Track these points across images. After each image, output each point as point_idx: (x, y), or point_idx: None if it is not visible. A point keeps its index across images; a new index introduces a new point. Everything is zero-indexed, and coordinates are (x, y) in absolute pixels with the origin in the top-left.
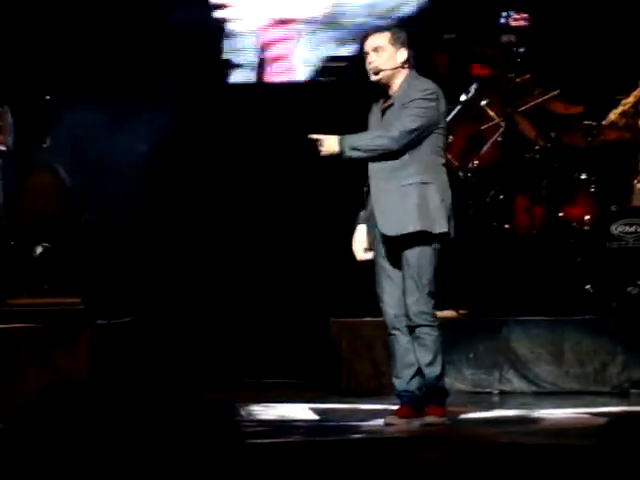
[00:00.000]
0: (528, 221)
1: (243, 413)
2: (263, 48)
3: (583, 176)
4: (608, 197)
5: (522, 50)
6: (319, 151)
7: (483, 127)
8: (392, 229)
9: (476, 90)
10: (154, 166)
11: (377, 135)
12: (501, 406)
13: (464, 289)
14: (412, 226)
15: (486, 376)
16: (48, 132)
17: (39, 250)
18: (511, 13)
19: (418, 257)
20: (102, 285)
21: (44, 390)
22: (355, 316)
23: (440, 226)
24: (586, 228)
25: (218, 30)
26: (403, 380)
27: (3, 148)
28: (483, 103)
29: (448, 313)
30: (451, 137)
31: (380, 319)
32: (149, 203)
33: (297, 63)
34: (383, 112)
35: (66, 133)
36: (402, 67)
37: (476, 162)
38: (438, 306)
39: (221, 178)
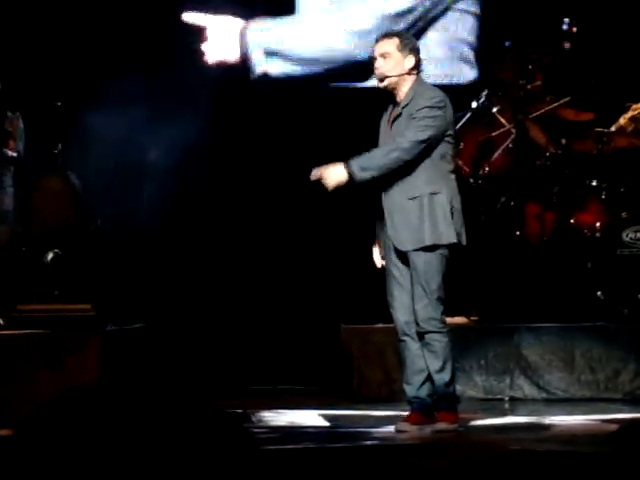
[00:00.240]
0: (539, 228)
1: (254, 419)
2: None
3: (594, 183)
4: (619, 204)
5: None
6: (326, 187)
7: (494, 134)
8: (405, 245)
9: (487, 97)
10: (165, 172)
11: (388, 150)
12: (512, 413)
13: (475, 295)
14: (423, 241)
15: (497, 383)
16: (59, 138)
17: (50, 256)
18: (574, 20)
19: (426, 263)
20: (113, 291)
21: (55, 396)
22: (366, 322)
23: (448, 237)
24: (597, 235)
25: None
26: (413, 386)
27: (14, 154)
28: (494, 110)
29: (459, 319)
30: (462, 144)
31: (391, 325)
32: (160, 209)
33: None
34: (391, 122)
35: (77, 139)
36: (409, 74)
37: (487, 169)
38: (449, 312)
39: (233, 184)
